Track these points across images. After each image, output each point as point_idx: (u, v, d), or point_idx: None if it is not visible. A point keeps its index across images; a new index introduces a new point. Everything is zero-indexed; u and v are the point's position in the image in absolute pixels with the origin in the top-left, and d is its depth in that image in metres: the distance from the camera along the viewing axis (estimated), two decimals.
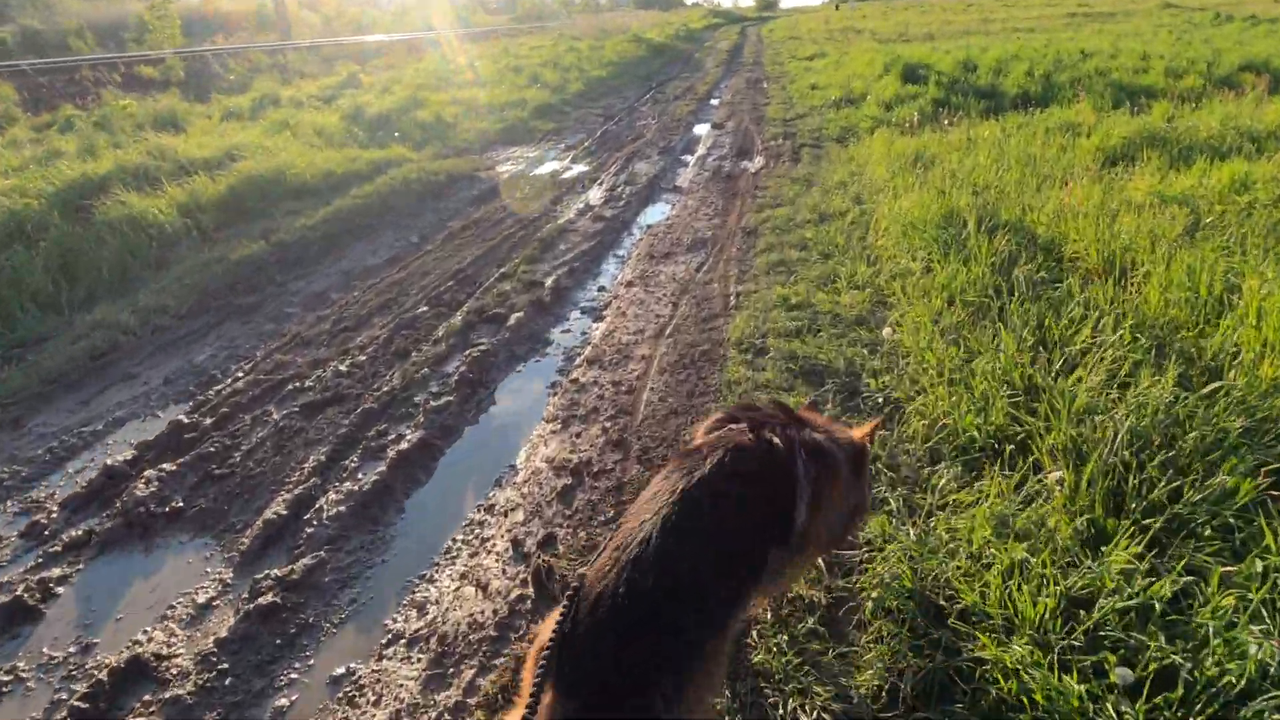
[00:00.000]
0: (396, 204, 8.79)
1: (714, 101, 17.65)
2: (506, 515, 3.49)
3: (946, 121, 11.39)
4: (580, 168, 11.40)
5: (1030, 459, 2.99)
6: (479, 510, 3.57)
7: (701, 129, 14.65)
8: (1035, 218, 6.12)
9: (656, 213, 8.88)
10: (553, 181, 10.35)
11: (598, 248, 7.45)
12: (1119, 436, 2.74)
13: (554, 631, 1.53)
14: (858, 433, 2.19)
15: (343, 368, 4.87)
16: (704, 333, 5.10)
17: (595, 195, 9.51)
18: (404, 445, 3.96)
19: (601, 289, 6.48)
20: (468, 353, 5.03)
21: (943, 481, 3.03)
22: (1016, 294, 4.40)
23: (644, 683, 1.44)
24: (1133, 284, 4.44)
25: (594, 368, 4.86)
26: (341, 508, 3.52)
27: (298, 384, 4.70)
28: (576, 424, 4.19)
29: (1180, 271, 4.22)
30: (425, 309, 5.84)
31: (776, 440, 1.86)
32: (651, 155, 12.14)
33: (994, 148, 8.96)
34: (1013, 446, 3.09)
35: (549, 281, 6.36)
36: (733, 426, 1.93)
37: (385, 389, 4.58)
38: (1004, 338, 3.73)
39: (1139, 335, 3.68)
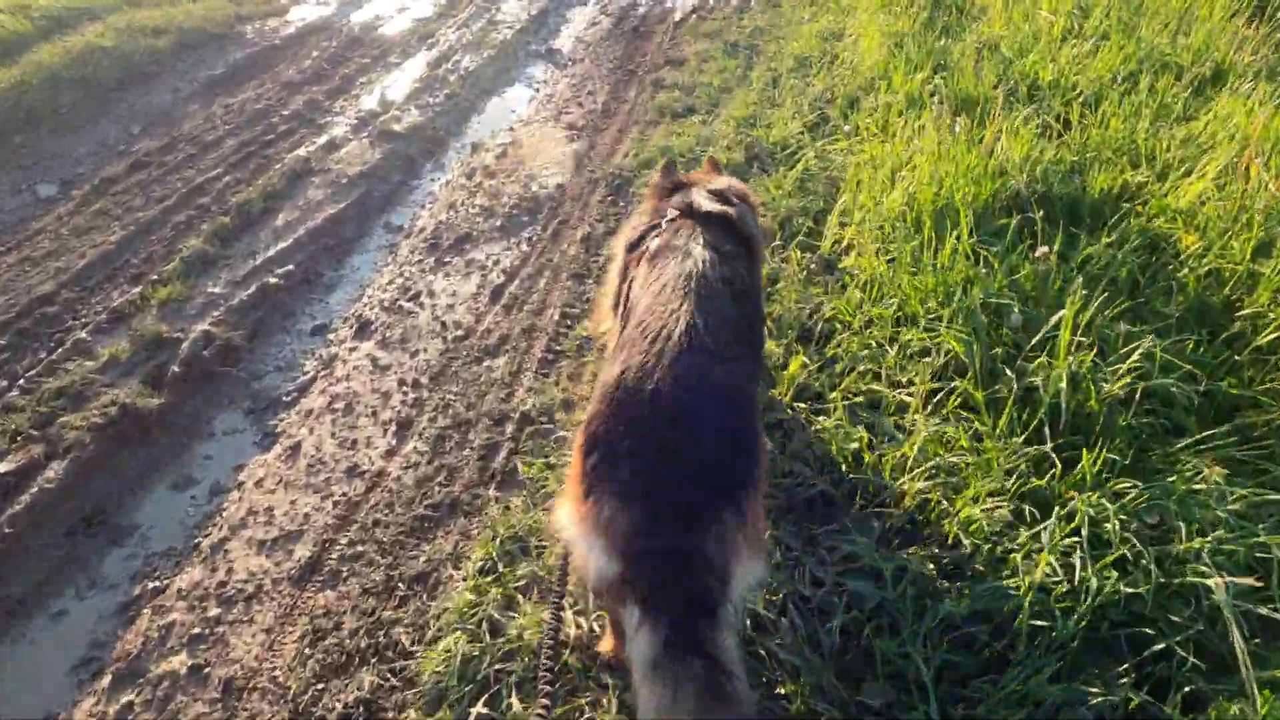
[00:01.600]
0: (50, 109, 5.17)
1: None
2: None
3: None
4: (420, 7, 7.45)
5: None
6: None
7: None
8: (1165, 199, 2.95)
9: (497, 114, 5.36)
10: (359, 41, 6.54)
11: (353, 214, 4.15)
12: None
13: (594, 444, 1.40)
14: (723, 176, 2.30)
15: None
16: (392, 604, 2.14)
17: (409, 75, 5.85)
18: None
19: (318, 333, 3.36)
20: None
21: None
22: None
23: (727, 494, 1.36)
24: None
25: None
26: None
27: None
28: None
29: None
30: None
31: (729, 210, 1.96)
32: None
33: None
34: None
35: (196, 333, 3.21)
36: (674, 212, 1.95)
37: None
38: None
39: None
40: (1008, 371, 2.06)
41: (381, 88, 5.63)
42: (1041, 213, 2.92)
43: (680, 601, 1.26)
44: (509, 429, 2.58)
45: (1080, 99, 3.83)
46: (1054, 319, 2.11)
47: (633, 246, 1.97)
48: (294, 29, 6.81)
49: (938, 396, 2.13)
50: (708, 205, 1.94)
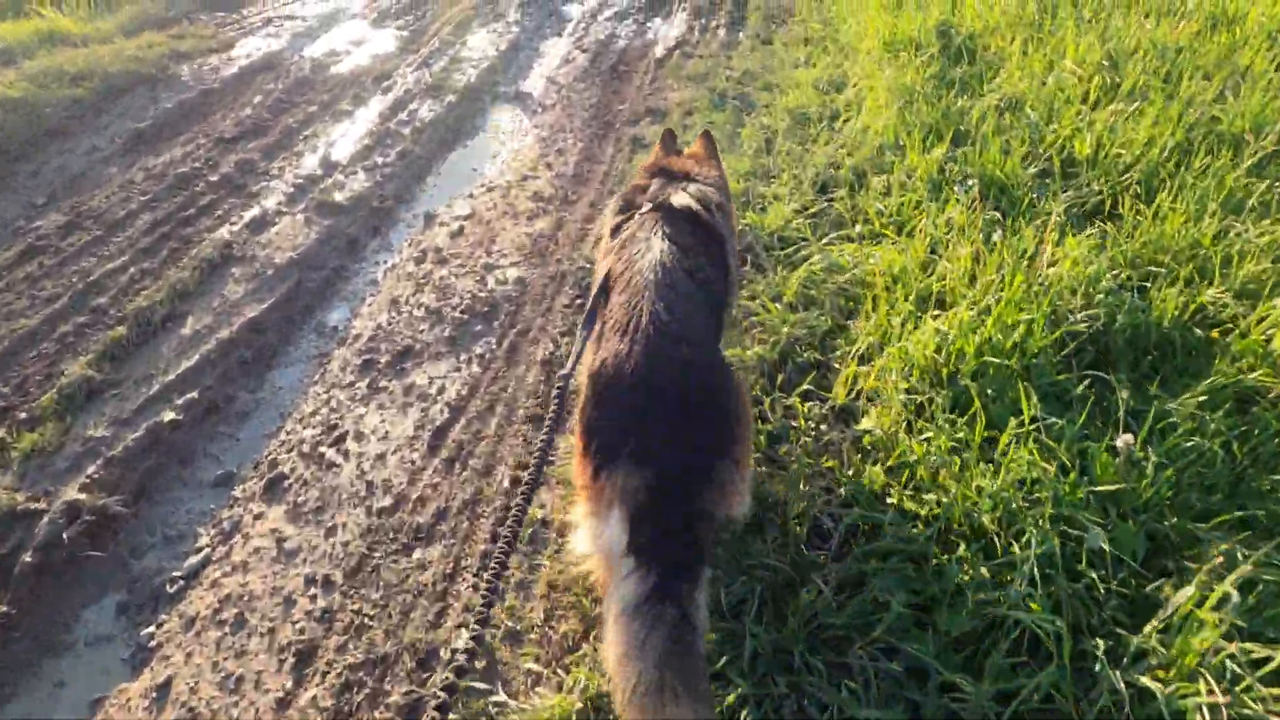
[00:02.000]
0: None
1: None
2: None
3: None
4: (380, 40, 6.83)
5: None
6: None
7: None
8: (1251, 337, 2.40)
9: (456, 175, 4.74)
10: (308, 83, 5.91)
11: (278, 317, 3.52)
12: None
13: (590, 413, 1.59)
14: (711, 163, 2.50)
15: None
16: None
17: (359, 127, 5.23)
18: None
19: (221, 485, 2.73)
20: None
21: None
22: None
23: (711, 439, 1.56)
24: None
25: None
26: None
27: None
28: None
29: None
30: None
31: (698, 208, 2.07)
32: (507, 10, 7.46)
33: (1094, 25, 4.77)
34: None
35: (62, 503, 2.57)
36: (646, 209, 2.05)
37: None
38: None
39: None
40: (1110, 670, 1.48)
41: (326, 143, 5.00)
42: (1104, 354, 2.37)
43: (671, 557, 1.41)
44: (437, 676, 1.98)
45: (1128, 182, 3.27)
46: (1174, 603, 1.52)
47: (615, 231, 2.11)
48: (236, 69, 6.16)
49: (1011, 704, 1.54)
50: (679, 201, 2.06)
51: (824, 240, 3.23)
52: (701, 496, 1.48)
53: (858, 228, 3.22)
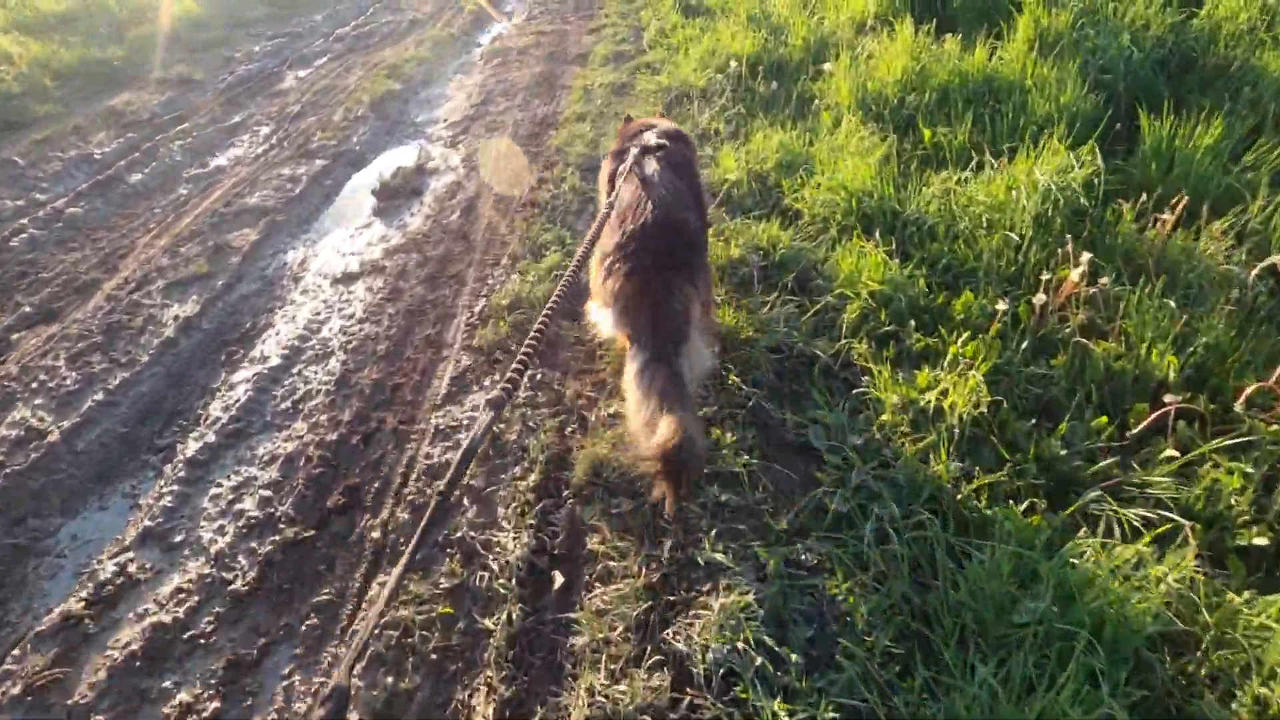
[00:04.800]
0: None
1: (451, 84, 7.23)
2: None
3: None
4: None
5: None
6: None
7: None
8: None
9: None
10: None
11: None
12: None
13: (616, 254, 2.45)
14: (666, 118, 3.79)
15: None
16: None
17: None
18: None
19: None
20: None
21: None
22: None
23: (687, 268, 2.43)
24: None
25: None
26: None
27: None
28: None
29: None
30: None
31: (668, 144, 2.97)
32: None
33: None
34: None
35: None
36: (635, 149, 2.91)
37: None
38: None
39: None
40: None
41: None
42: None
43: (659, 337, 2.21)
44: None
45: None
46: None
47: (615, 164, 2.97)
48: None
49: None
50: (655, 141, 2.96)
51: None
52: (669, 303, 2.25)
53: None
